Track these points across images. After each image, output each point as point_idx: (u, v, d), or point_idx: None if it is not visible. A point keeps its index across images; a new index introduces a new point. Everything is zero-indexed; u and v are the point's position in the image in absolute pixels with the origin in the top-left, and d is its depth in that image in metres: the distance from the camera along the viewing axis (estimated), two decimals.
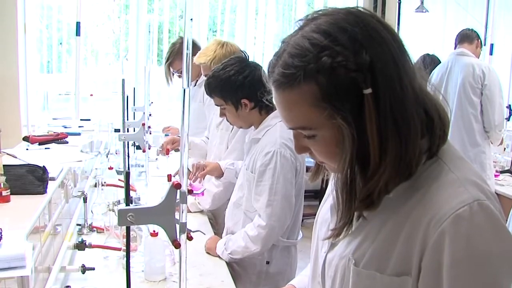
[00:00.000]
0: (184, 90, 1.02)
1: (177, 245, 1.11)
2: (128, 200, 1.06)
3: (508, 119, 4.54)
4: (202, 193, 2.79)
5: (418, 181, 0.99)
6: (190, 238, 1.14)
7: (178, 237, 1.12)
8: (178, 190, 1.10)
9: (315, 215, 1.31)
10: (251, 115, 2.44)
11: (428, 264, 0.94)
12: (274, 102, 1.04)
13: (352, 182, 0.99)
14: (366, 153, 0.96)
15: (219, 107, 2.51)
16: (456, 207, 0.92)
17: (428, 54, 4.86)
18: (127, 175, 1.08)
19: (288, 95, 0.99)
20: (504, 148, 4.73)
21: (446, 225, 0.91)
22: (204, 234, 2.74)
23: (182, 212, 1.12)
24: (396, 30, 1.02)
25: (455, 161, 1.02)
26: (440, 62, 4.61)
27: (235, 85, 2.39)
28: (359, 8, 1.01)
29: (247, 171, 2.43)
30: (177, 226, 1.12)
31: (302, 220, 2.63)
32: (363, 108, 0.94)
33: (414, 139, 0.97)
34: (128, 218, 1.06)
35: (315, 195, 5.69)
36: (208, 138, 3.44)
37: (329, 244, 1.15)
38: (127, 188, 1.05)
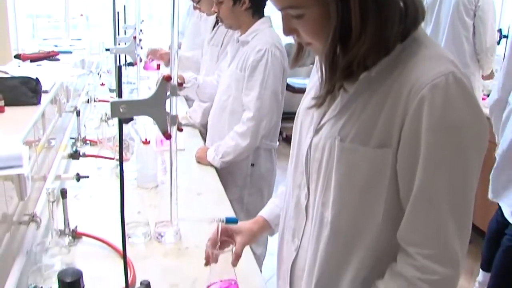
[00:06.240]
0: None
1: (167, 136, 1.15)
2: (121, 91, 1.10)
3: (498, 43, 4.52)
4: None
5: (397, 59, 1.05)
6: (180, 129, 1.19)
7: (169, 128, 1.16)
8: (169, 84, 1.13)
9: None
10: (244, 15, 2.51)
11: (407, 133, 1.02)
12: None
13: (334, 54, 1.06)
14: (348, 31, 1.02)
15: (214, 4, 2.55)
16: (433, 77, 0.98)
17: None
18: (119, 69, 1.11)
19: None
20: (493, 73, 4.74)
21: (425, 92, 0.98)
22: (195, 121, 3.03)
23: (173, 104, 1.16)
24: None
25: (430, 41, 1.09)
26: None
27: None
28: None
29: (236, 71, 2.52)
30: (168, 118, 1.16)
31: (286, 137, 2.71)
32: None
33: (393, 18, 1.02)
34: (120, 109, 1.09)
35: None
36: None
37: (314, 130, 1.21)
38: (120, 80, 1.08)
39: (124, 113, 1.10)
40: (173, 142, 1.16)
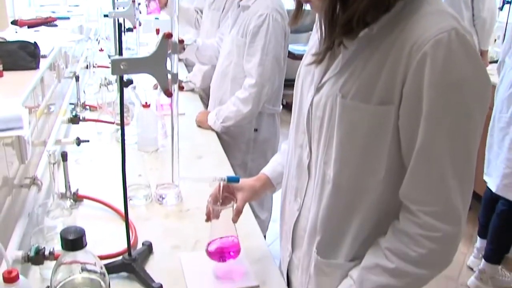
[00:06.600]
0: None
1: (168, 94, 1.14)
2: (121, 49, 1.08)
3: (501, 8, 4.47)
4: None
5: (399, 16, 1.04)
6: (181, 88, 1.18)
7: (170, 87, 1.15)
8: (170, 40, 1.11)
9: None
10: None
11: (409, 89, 1.01)
12: None
13: (334, 10, 1.05)
14: None
15: None
16: (435, 33, 0.97)
17: None
18: (120, 27, 1.09)
19: None
20: (495, 40, 4.69)
21: (427, 49, 0.97)
22: (195, 84, 3.05)
23: (174, 62, 1.15)
24: None
25: None
26: None
27: None
28: None
29: (237, 36, 2.49)
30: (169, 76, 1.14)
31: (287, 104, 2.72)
32: None
33: None
34: (121, 67, 1.08)
35: None
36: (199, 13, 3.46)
37: (315, 88, 1.20)
38: (120, 37, 1.06)
39: (124, 70, 1.09)
40: (174, 100, 1.15)
